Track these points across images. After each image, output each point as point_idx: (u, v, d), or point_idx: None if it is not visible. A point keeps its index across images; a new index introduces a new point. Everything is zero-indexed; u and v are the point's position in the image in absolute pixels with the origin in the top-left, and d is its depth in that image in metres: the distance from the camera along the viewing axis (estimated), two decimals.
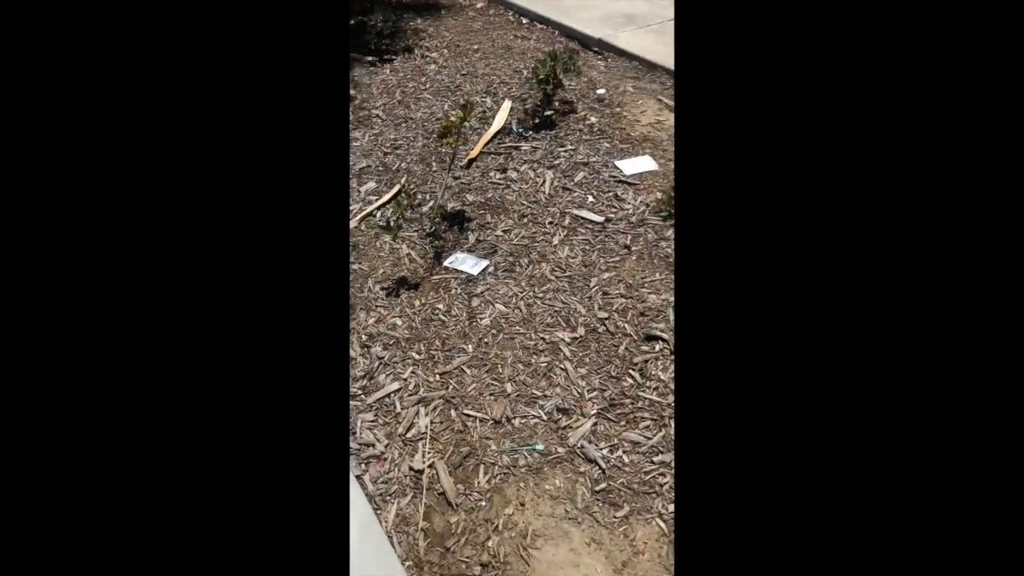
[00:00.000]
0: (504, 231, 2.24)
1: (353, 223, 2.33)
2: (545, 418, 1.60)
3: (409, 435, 1.58)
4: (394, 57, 3.58)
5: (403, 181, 2.53)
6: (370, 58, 3.57)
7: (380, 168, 2.65)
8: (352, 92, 3.23)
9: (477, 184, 2.50)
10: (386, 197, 2.45)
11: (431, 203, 2.40)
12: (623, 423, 1.57)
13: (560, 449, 1.52)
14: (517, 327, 1.86)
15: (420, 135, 2.85)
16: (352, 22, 4.06)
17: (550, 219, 2.28)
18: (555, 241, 2.18)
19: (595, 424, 1.57)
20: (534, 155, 2.65)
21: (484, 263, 2.09)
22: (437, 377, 1.72)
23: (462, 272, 2.07)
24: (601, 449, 1.51)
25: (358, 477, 1.48)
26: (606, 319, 1.86)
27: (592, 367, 1.72)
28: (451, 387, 1.69)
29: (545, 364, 1.74)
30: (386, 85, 3.31)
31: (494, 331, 1.85)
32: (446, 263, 2.11)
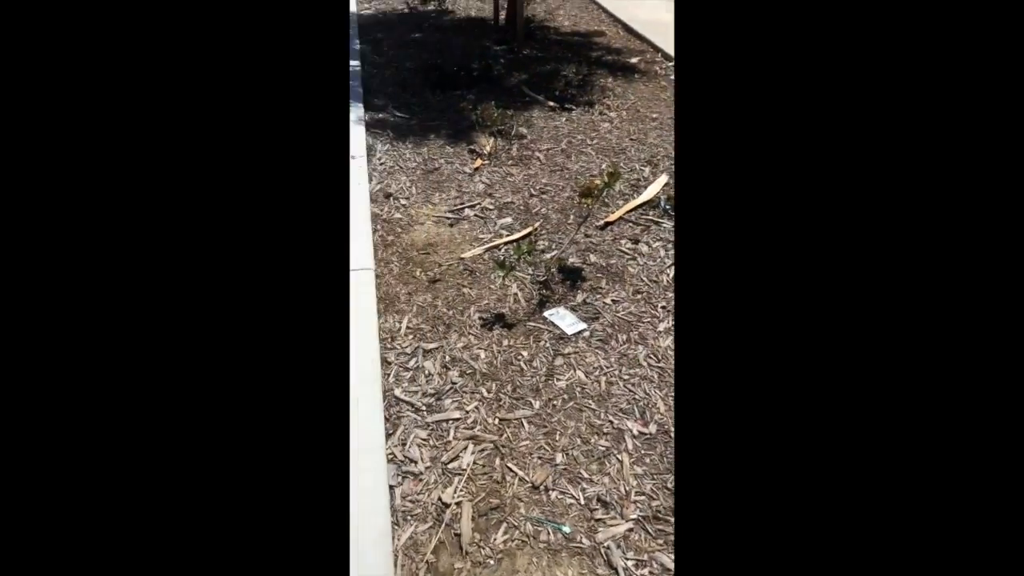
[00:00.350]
0: (613, 301, 2.22)
1: (479, 250, 2.47)
2: (583, 503, 1.54)
3: (451, 466, 1.62)
4: (574, 108, 3.75)
5: (536, 225, 2.63)
6: (552, 103, 3.78)
7: (522, 208, 2.78)
8: (524, 131, 3.45)
9: (604, 248, 2.52)
10: (516, 236, 2.56)
11: (554, 253, 2.46)
12: (660, 541, 1.46)
13: (585, 541, 1.46)
14: (590, 401, 1.82)
15: (570, 187, 2.94)
16: (548, 67, 4.34)
17: (663, 304, 2.21)
18: (660, 328, 2.11)
19: (631, 530, 1.48)
20: (672, 235, 2.60)
21: (582, 326, 2.09)
22: (496, 421, 1.75)
23: (558, 328, 2.08)
24: (627, 560, 1.42)
25: (391, 487, 1.55)
26: None
27: (650, 469, 1.63)
28: (505, 435, 1.71)
29: (604, 449, 1.68)
30: (557, 132, 3.47)
31: (566, 396, 1.83)
32: (546, 313, 2.14)
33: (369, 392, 1.77)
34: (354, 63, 4.30)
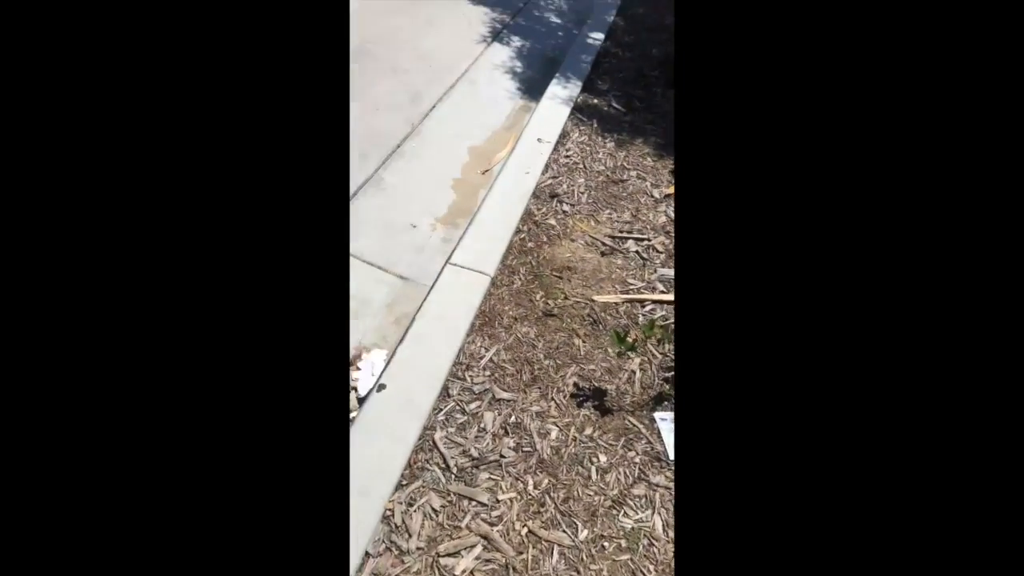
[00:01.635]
0: None
1: (618, 298, 2.02)
2: None
3: (443, 562, 1.31)
4: None
5: None
6: None
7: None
8: None
9: None
10: (670, 297, 2.05)
11: None
12: None
13: None
14: (650, 567, 1.34)
15: None
16: None
17: None
18: None
19: None
20: None
21: None
22: (524, 532, 1.38)
23: (661, 442, 1.59)
24: None
25: (367, 554, 1.30)
26: None
27: None
28: (524, 558, 1.34)
29: None
30: None
31: (623, 543, 1.38)
32: (657, 415, 1.66)
33: (409, 425, 1.52)
34: (597, 35, 3.94)
